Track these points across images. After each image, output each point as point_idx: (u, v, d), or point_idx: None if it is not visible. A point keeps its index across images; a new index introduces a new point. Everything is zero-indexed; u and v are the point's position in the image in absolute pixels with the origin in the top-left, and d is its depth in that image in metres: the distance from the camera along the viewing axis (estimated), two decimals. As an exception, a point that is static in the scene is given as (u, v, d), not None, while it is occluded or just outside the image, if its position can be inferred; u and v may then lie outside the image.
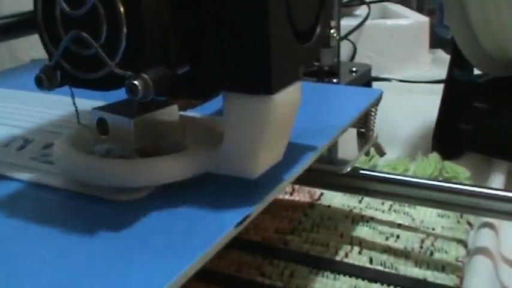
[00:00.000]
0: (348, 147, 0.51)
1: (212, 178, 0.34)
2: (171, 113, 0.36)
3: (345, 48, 1.04)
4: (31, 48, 1.06)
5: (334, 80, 0.76)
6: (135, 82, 0.27)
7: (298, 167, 0.36)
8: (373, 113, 0.52)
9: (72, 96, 0.34)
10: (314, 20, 0.34)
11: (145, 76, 0.28)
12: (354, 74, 0.81)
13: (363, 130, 0.52)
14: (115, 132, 0.34)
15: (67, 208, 0.34)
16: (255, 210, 0.31)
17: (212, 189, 0.34)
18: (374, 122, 0.52)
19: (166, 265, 0.26)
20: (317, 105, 0.50)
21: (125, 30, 0.28)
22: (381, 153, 0.58)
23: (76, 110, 0.35)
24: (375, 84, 0.92)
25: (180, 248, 0.28)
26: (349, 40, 1.05)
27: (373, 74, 0.89)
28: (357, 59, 1.05)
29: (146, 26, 0.28)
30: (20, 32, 0.38)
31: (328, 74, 0.76)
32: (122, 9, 0.28)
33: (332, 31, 0.36)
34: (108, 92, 0.30)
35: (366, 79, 0.84)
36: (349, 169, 0.49)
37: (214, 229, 0.29)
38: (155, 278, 0.25)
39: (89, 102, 0.35)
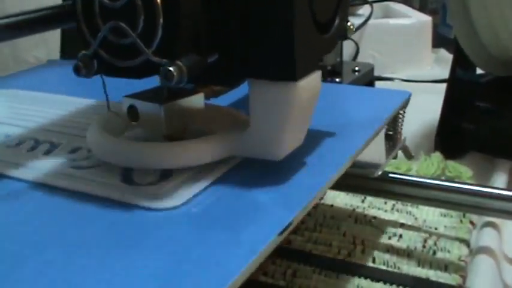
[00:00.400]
0: (376, 150, 0.51)
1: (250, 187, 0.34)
2: (198, 100, 0.38)
3: (348, 48, 1.04)
4: (34, 47, 1.06)
5: (337, 80, 0.76)
6: (171, 69, 0.30)
7: (335, 171, 0.36)
8: (401, 116, 0.51)
9: (104, 85, 0.35)
10: (333, 12, 0.36)
11: (180, 63, 0.30)
12: (356, 73, 0.81)
13: (391, 133, 0.52)
14: (145, 119, 0.36)
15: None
16: (295, 218, 0.31)
17: (251, 198, 0.33)
18: (402, 125, 0.52)
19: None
20: (347, 107, 0.50)
21: (161, 20, 0.30)
22: (409, 156, 0.58)
23: (107, 98, 0.37)
24: (378, 83, 0.92)
25: (223, 258, 0.27)
26: (351, 39, 1.05)
27: (376, 73, 0.89)
28: (359, 59, 1.05)
29: (181, 17, 0.30)
30: (24, 32, 0.38)
31: (331, 73, 0.76)
32: (158, 0, 0.30)
33: (349, 23, 0.38)
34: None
35: (368, 78, 0.84)
36: (380, 173, 0.49)
37: (258, 238, 0.29)
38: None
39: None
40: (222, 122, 0.39)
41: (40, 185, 0.35)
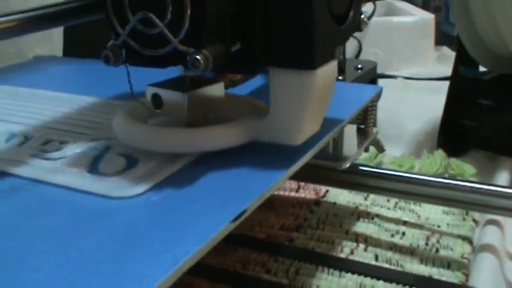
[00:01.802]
0: (349, 143, 0.51)
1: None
2: (218, 89, 0.39)
3: (351, 46, 1.04)
4: (36, 45, 1.06)
5: (340, 78, 0.76)
6: (198, 57, 0.32)
7: (297, 162, 0.37)
8: (372, 109, 0.52)
9: (128, 75, 0.37)
10: (348, 5, 0.38)
11: (206, 52, 0.32)
12: (359, 71, 0.81)
13: (362, 126, 0.53)
14: (169, 106, 0.38)
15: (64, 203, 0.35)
16: (249, 207, 0.32)
17: (210, 188, 0.34)
18: (374, 119, 0.53)
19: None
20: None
21: (189, 12, 0.32)
22: (381, 149, 0.58)
23: (131, 88, 0.38)
24: (381, 81, 0.92)
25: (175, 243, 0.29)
26: (354, 37, 1.05)
27: (379, 71, 0.89)
28: (362, 56, 1.05)
29: (207, 8, 0.32)
30: (27, 29, 0.38)
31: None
32: None
33: (362, 16, 0.40)
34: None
35: (371, 76, 0.84)
36: (348, 165, 0.49)
37: (210, 225, 0.30)
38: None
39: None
40: (241, 109, 0.40)
41: (7, 175, 0.37)
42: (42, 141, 0.41)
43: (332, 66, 0.36)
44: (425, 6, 1.36)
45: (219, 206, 0.32)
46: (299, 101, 0.35)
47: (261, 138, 0.37)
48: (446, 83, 0.75)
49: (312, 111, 0.36)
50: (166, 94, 0.38)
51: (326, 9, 0.35)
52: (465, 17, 0.66)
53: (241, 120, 0.38)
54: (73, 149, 0.40)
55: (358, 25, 0.41)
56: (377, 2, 1.17)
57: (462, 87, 0.73)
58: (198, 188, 0.34)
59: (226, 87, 0.41)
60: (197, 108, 0.38)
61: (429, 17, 1.16)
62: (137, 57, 0.35)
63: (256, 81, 0.49)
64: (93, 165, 0.37)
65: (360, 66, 0.81)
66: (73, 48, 0.71)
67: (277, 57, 0.34)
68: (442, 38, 1.19)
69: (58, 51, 0.74)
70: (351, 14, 0.38)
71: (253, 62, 0.35)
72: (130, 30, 0.34)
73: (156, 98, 0.38)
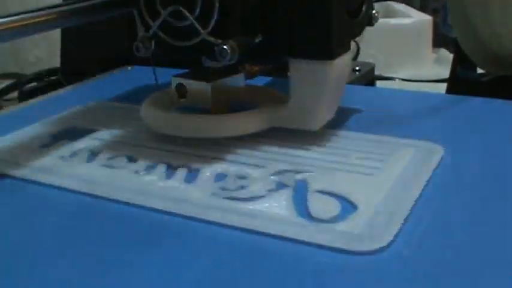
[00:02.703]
0: None
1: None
2: (239, 80, 0.42)
3: (348, 47, 1.04)
4: (35, 46, 1.06)
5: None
6: (225, 47, 0.34)
7: None
8: None
9: (154, 69, 0.41)
10: (361, 0, 0.41)
11: (233, 42, 0.34)
12: (357, 72, 0.81)
13: None
14: (193, 96, 0.40)
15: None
16: None
17: None
18: None
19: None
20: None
21: (217, 5, 0.35)
22: None
23: (156, 79, 0.42)
24: (379, 83, 0.92)
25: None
26: (358, 35, 1.04)
27: (377, 73, 0.89)
28: (360, 58, 1.05)
29: (234, 2, 0.35)
30: (24, 31, 0.39)
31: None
32: None
33: (373, 11, 0.43)
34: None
35: (369, 78, 0.84)
36: None
37: None
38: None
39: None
40: (262, 98, 0.42)
41: (192, 219, 0.30)
42: (215, 175, 0.35)
43: (347, 57, 0.39)
44: (423, 8, 1.36)
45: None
46: (318, 90, 0.37)
47: (281, 124, 0.39)
48: (444, 85, 0.75)
49: (329, 99, 0.38)
50: (190, 84, 0.40)
51: (342, 4, 0.37)
52: (463, 18, 0.66)
53: (262, 108, 0.40)
54: (259, 186, 0.33)
55: (370, 20, 0.43)
56: (375, 4, 1.17)
57: (460, 89, 0.73)
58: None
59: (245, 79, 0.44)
60: (220, 97, 0.40)
61: (427, 18, 1.16)
62: (167, 48, 0.38)
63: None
64: (297, 207, 0.30)
65: (357, 68, 0.81)
66: (71, 51, 0.71)
67: (298, 48, 0.37)
68: (440, 40, 1.19)
69: (56, 53, 0.74)
70: (364, 8, 0.41)
71: (275, 53, 0.38)
72: (161, 23, 0.37)
73: (181, 87, 0.40)
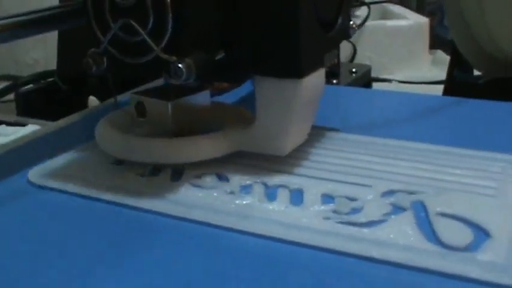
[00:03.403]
0: None
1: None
2: (204, 98, 0.39)
3: (345, 49, 1.04)
4: (32, 49, 1.06)
5: (334, 81, 0.76)
6: (180, 65, 0.31)
7: None
8: None
9: (112, 83, 0.38)
10: (336, 11, 0.37)
11: (189, 60, 0.31)
12: (354, 74, 0.81)
13: None
14: (153, 115, 0.37)
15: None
16: None
17: None
18: None
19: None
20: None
21: (171, 19, 0.31)
22: None
23: (115, 96, 0.39)
24: (375, 85, 0.92)
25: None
26: (349, 41, 1.05)
27: (373, 74, 0.89)
28: (357, 60, 1.05)
29: (190, 16, 0.32)
30: (21, 33, 0.38)
31: (328, 74, 0.76)
32: (168, 0, 0.31)
33: (351, 23, 0.40)
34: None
35: (366, 80, 0.84)
36: None
37: None
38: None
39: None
40: (227, 118, 0.39)
41: (307, 246, 0.27)
42: (320, 196, 0.32)
43: (319, 74, 0.36)
44: (419, 10, 1.36)
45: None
46: (285, 110, 0.34)
47: (247, 148, 0.36)
48: (441, 87, 0.75)
49: (299, 120, 0.35)
50: (150, 103, 0.37)
51: (313, 15, 0.34)
52: (459, 20, 0.66)
53: (226, 130, 0.37)
54: (374, 208, 0.30)
55: (347, 32, 0.40)
56: (371, 6, 1.17)
57: (456, 91, 0.73)
58: None
59: (212, 96, 0.41)
60: (182, 117, 0.37)
61: (424, 20, 1.16)
62: (119, 65, 0.34)
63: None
64: (425, 234, 0.28)
65: (354, 69, 0.82)
66: (68, 53, 0.71)
67: (263, 65, 0.34)
68: (437, 42, 1.19)
69: (53, 55, 0.74)
70: (339, 20, 0.38)
71: (239, 70, 0.35)
72: (112, 38, 0.33)
73: (140, 106, 0.38)
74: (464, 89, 0.73)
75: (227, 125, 0.38)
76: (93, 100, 0.67)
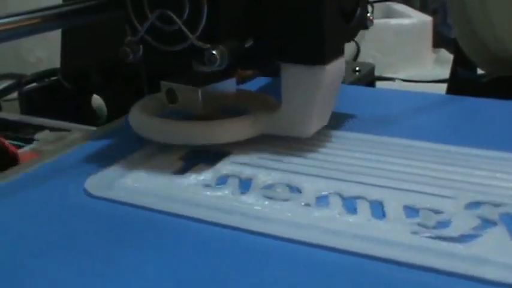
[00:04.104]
0: None
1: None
2: (231, 84, 0.41)
3: (349, 48, 1.04)
4: (35, 47, 1.06)
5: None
6: (214, 52, 0.33)
7: None
8: None
9: (144, 73, 0.42)
10: (355, 2, 0.40)
11: (222, 47, 0.33)
12: (357, 73, 0.81)
13: None
14: (183, 101, 0.39)
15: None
16: None
17: None
18: None
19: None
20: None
21: (205, 9, 0.34)
22: None
23: (146, 83, 0.42)
24: (379, 83, 0.92)
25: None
26: (352, 40, 1.04)
27: (377, 73, 0.89)
28: (360, 59, 1.05)
29: (223, 5, 0.34)
30: (25, 31, 0.39)
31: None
32: None
33: (368, 14, 0.42)
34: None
35: (369, 78, 0.84)
36: None
37: None
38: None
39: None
40: (253, 104, 0.41)
41: (397, 263, 0.26)
42: (403, 208, 0.30)
43: (340, 62, 0.38)
44: (423, 8, 1.36)
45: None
46: (310, 96, 0.36)
47: (272, 131, 0.38)
48: (444, 86, 0.75)
49: (322, 105, 0.37)
50: (180, 89, 0.39)
51: (336, 7, 0.36)
52: (463, 19, 0.66)
53: (253, 114, 0.38)
54: (462, 222, 0.29)
55: (365, 23, 0.42)
56: (375, 5, 1.17)
57: (460, 90, 0.73)
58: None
59: (236, 83, 0.43)
60: (210, 102, 0.39)
61: (427, 19, 1.16)
62: (154, 53, 0.36)
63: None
64: None
65: (357, 68, 0.82)
66: (71, 51, 0.71)
67: (289, 53, 0.36)
68: (440, 41, 1.19)
69: (56, 54, 0.74)
70: (358, 11, 0.40)
71: (265, 57, 0.37)
72: (148, 27, 0.36)
73: (170, 92, 0.39)
74: (467, 87, 0.73)
75: (253, 110, 0.40)
76: (96, 99, 0.67)
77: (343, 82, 0.76)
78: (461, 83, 0.74)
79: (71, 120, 0.59)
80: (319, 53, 0.35)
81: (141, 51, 0.36)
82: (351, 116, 0.45)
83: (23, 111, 0.70)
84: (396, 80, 1.04)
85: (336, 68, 0.37)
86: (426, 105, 0.49)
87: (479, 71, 0.73)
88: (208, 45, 0.34)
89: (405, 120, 0.45)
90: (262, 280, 0.25)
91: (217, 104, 0.40)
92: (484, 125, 0.44)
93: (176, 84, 0.39)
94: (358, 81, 0.79)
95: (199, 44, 0.34)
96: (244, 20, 0.36)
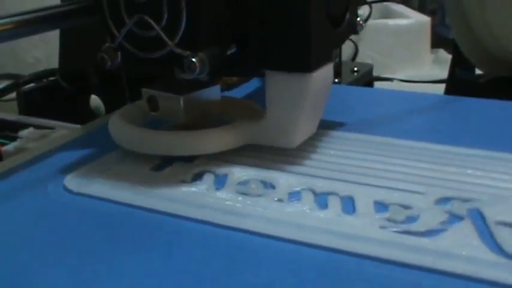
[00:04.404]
0: None
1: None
2: (214, 92, 0.40)
3: (347, 48, 1.04)
4: (33, 48, 1.06)
5: (336, 80, 0.76)
6: (193, 60, 0.32)
7: None
8: None
9: (124, 79, 0.40)
10: (344, 7, 0.38)
11: (202, 55, 0.32)
12: (355, 73, 0.81)
13: None
14: (164, 109, 0.38)
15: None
16: None
17: None
18: None
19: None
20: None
21: (185, 15, 0.32)
22: None
23: (127, 91, 0.40)
24: (377, 84, 0.92)
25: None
26: (350, 40, 1.05)
27: (375, 73, 0.89)
28: (358, 59, 1.05)
29: (203, 11, 0.33)
30: (23, 32, 0.38)
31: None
32: None
33: (358, 19, 0.40)
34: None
35: (367, 79, 0.84)
36: None
37: None
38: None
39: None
40: (237, 112, 0.40)
41: (369, 258, 0.26)
42: (373, 204, 0.31)
43: (328, 69, 0.36)
44: (421, 9, 1.36)
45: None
46: (296, 104, 0.35)
47: (257, 141, 0.37)
48: (442, 86, 0.75)
49: (309, 113, 0.36)
50: (162, 97, 0.38)
51: (323, 12, 0.34)
52: (461, 19, 0.66)
53: (236, 124, 0.37)
54: (429, 217, 0.29)
55: (355, 28, 0.40)
56: (373, 5, 1.17)
57: (458, 90, 0.73)
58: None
59: (221, 90, 0.41)
60: (193, 110, 0.38)
61: (425, 19, 1.16)
62: (133, 59, 0.35)
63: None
64: (488, 244, 0.27)
65: (356, 68, 0.82)
66: (70, 52, 0.71)
67: (274, 60, 0.34)
68: (438, 41, 1.19)
69: (54, 54, 0.74)
70: (347, 16, 0.38)
71: (249, 65, 0.35)
72: (126, 33, 0.34)
73: (151, 100, 0.38)
74: (465, 87, 0.73)
75: (237, 118, 0.38)
76: (95, 99, 0.67)
77: (341, 83, 0.77)
78: (459, 83, 0.74)
79: (70, 121, 0.59)
80: (305, 59, 0.33)
81: (119, 58, 0.35)
82: (342, 116, 0.45)
83: (21, 112, 0.70)
84: (394, 81, 1.04)
85: (324, 75, 0.35)
86: (424, 106, 0.49)
87: (478, 72, 0.74)
88: (188, 53, 0.32)
89: (404, 120, 0.45)
90: (230, 273, 0.25)
91: (201, 112, 0.39)
92: (483, 126, 0.43)
93: (157, 92, 0.38)
94: (356, 82, 0.79)
95: (179, 51, 0.33)
96: (226, 26, 0.34)
